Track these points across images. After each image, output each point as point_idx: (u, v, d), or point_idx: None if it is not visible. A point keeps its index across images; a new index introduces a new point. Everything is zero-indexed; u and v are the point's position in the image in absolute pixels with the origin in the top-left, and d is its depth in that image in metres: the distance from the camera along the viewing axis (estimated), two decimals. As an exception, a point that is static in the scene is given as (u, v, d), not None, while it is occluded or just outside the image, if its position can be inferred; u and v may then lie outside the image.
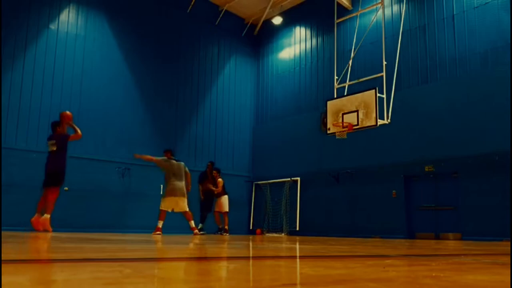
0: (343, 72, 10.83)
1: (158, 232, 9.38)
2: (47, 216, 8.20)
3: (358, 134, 10.45)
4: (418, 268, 2.25)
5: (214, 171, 11.97)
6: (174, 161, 9.79)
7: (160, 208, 9.60)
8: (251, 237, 10.23)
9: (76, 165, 12.25)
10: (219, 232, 11.76)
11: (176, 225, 13.46)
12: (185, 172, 9.84)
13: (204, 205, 11.69)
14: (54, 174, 8.46)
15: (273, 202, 15.26)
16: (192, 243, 4.98)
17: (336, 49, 11.63)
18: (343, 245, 5.61)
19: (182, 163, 9.94)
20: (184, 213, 9.67)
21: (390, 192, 12.01)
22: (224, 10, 16.03)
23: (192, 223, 9.78)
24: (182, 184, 9.62)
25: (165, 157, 9.89)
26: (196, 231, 9.92)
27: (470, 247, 5.63)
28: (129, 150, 13.46)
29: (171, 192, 9.50)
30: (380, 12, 11.18)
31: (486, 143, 10.29)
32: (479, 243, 7.88)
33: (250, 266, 2.25)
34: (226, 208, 11.74)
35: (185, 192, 9.68)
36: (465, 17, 11.35)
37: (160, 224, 9.47)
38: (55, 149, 8.46)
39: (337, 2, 12.38)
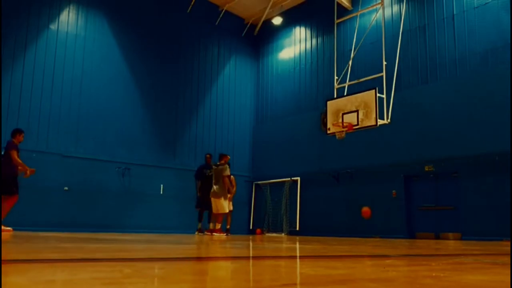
0: (343, 72, 10.83)
1: (215, 233, 9.94)
2: None
3: (358, 134, 10.45)
4: (418, 268, 2.24)
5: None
6: (214, 167, 10.30)
7: None
8: (251, 237, 10.23)
9: (76, 165, 12.26)
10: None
11: (176, 225, 13.47)
12: (222, 176, 10.03)
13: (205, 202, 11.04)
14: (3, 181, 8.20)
15: (273, 202, 15.25)
16: (193, 244, 4.98)
17: (336, 49, 11.63)
18: (343, 245, 5.61)
19: (221, 167, 10.10)
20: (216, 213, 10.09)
21: (390, 192, 12.00)
22: (224, 10, 16.02)
23: (217, 225, 10.05)
24: (215, 187, 10.02)
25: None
26: (216, 233, 9.96)
27: (470, 247, 5.63)
28: (129, 150, 13.47)
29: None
30: (380, 12, 11.18)
31: (486, 143, 10.29)
32: (479, 243, 7.88)
33: (250, 266, 2.25)
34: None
35: (219, 194, 9.93)
36: (465, 17, 11.34)
37: (217, 225, 10.08)
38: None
39: (337, 2, 12.37)
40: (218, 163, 10.27)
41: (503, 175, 9.83)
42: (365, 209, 10.21)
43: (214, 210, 10.00)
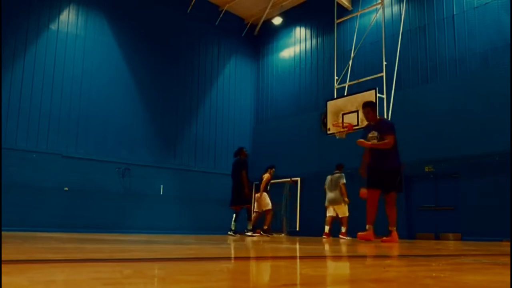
0: (343, 72, 10.83)
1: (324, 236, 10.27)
2: None
3: (358, 134, 10.43)
4: (418, 268, 2.24)
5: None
6: (329, 176, 10.60)
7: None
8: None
9: (76, 165, 12.26)
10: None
11: (176, 225, 13.47)
12: (339, 183, 10.28)
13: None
14: None
15: (273, 202, 15.22)
16: (193, 244, 4.97)
17: (336, 49, 11.62)
18: (343, 245, 5.61)
19: (337, 175, 10.35)
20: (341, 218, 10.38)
21: (390, 192, 11.98)
22: (224, 10, 16.02)
23: (342, 229, 10.29)
24: (332, 194, 10.39)
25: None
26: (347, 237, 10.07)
27: (470, 247, 5.63)
28: (129, 150, 13.47)
29: (327, 202, 10.64)
30: (380, 12, 11.18)
31: (486, 143, 10.28)
32: (479, 243, 7.88)
33: (250, 266, 2.25)
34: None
35: (339, 200, 10.26)
36: (465, 17, 11.34)
37: (326, 229, 10.57)
38: None
39: (337, 2, 12.37)
40: (334, 171, 10.50)
41: (503, 175, 9.82)
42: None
43: (340, 214, 10.32)
